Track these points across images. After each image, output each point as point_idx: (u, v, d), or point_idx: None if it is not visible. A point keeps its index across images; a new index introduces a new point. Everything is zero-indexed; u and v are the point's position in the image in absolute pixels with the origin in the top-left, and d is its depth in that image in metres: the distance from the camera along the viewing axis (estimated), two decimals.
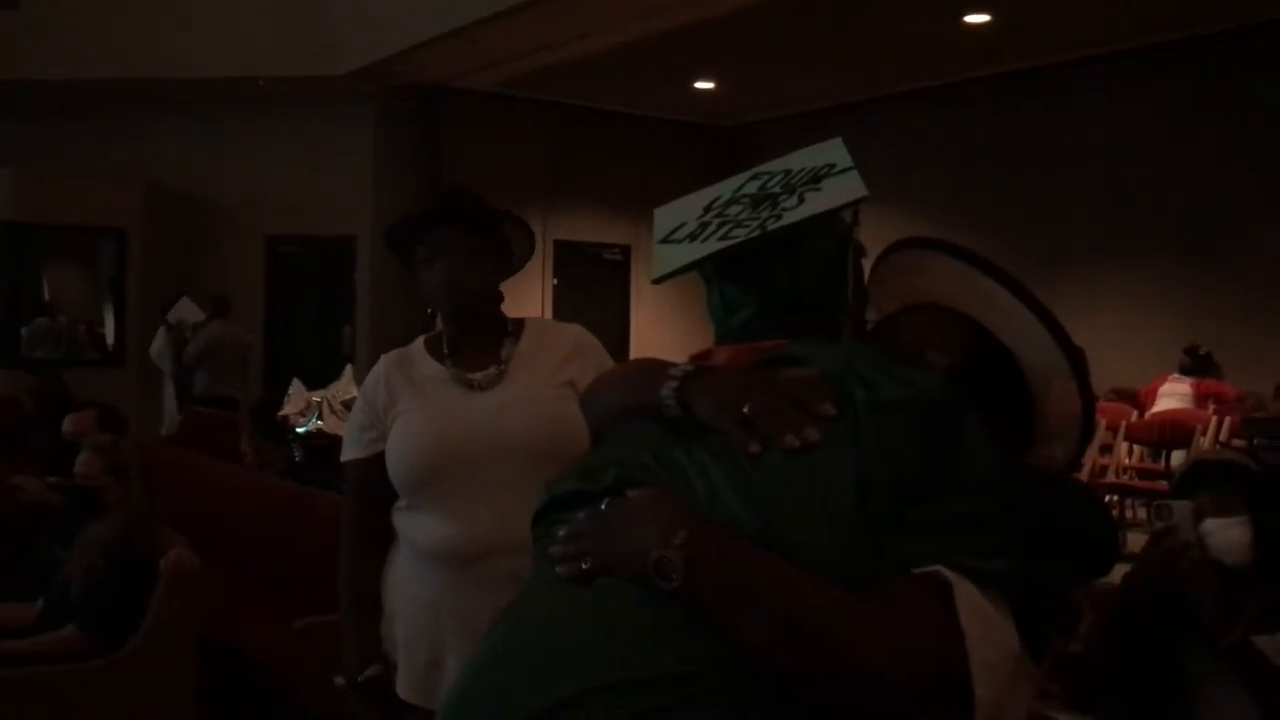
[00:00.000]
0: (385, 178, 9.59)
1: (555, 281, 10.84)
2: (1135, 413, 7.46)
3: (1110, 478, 6.76)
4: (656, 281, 1.31)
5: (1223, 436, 6.55)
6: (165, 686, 3.12)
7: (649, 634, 0.95)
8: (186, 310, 8.14)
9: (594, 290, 10.97)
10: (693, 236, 1.27)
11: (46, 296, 10.61)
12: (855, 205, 1.27)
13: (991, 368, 1.27)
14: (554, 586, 1.04)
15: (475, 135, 9.92)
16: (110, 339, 10.59)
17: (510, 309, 1.97)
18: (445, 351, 1.89)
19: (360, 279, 10.11)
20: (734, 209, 1.27)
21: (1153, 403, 7.63)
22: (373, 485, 1.86)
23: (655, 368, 1.19)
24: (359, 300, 10.16)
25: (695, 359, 1.27)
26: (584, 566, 1.02)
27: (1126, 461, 7.20)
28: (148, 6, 9.17)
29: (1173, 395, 7.56)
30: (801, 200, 1.26)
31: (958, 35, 8.23)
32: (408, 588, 1.83)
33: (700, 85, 10.06)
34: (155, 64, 9.16)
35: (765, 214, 1.25)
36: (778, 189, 1.28)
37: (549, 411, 1.80)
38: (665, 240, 1.30)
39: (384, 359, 1.96)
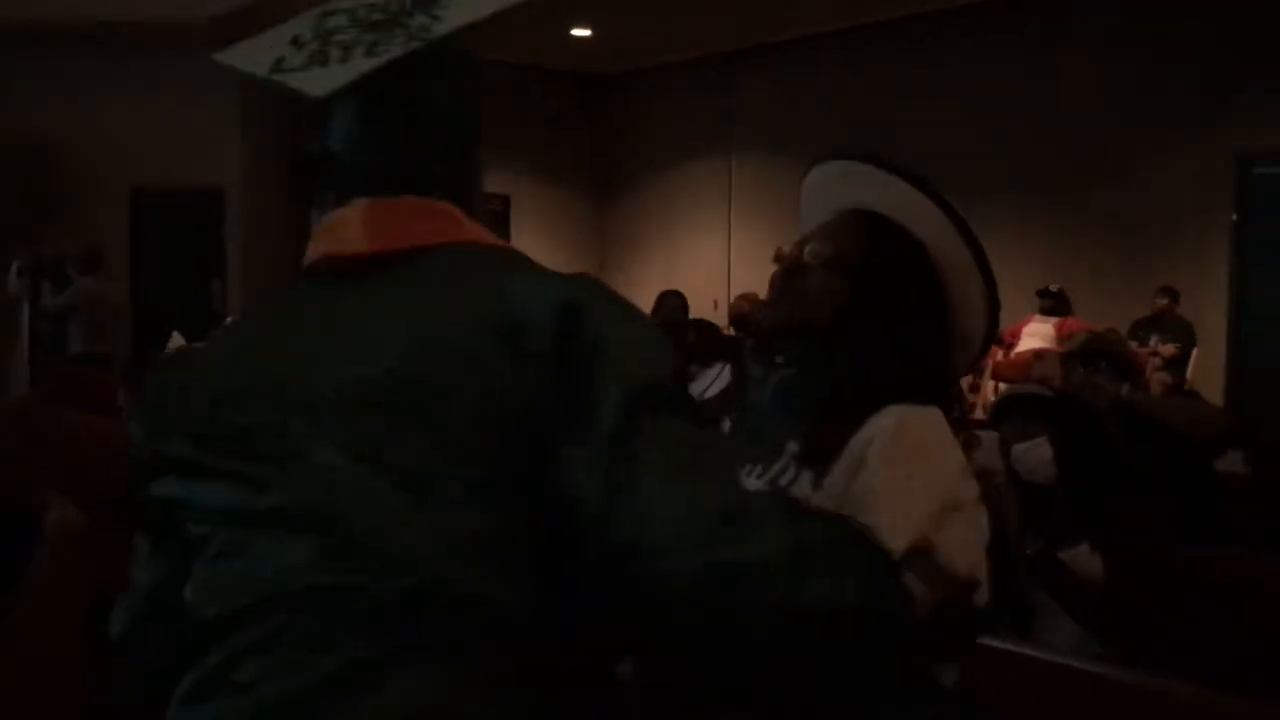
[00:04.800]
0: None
1: None
2: (1001, 352, 7.80)
3: (978, 414, 7.06)
4: (321, 95, 1.06)
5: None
6: (52, 654, 3.06)
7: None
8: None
9: None
10: (321, 60, 1.07)
11: None
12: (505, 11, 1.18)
13: (898, 279, 1.35)
14: None
15: None
16: None
17: None
18: None
19: (229, 231, 9.85)
20: (342, 36, 1.09)
21: (1017, 343, 7.99)
22: None
23: None
24: (229, 253, 9.91)
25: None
26: None
27: (992, 399, 7.54)
28: None
29: (1035, 335, 7.92)
30: (436, 18, 1.11)
31: None
32: None
33: (577, 32, 10.01)
34: (7, 5, 8.68)
35: (402, 34, 1.08)
36: (381, 16, 1.10)
37: None
38: (277, 71, 1.09)
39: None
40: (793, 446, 1.35)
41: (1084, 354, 3.55)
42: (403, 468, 0.94)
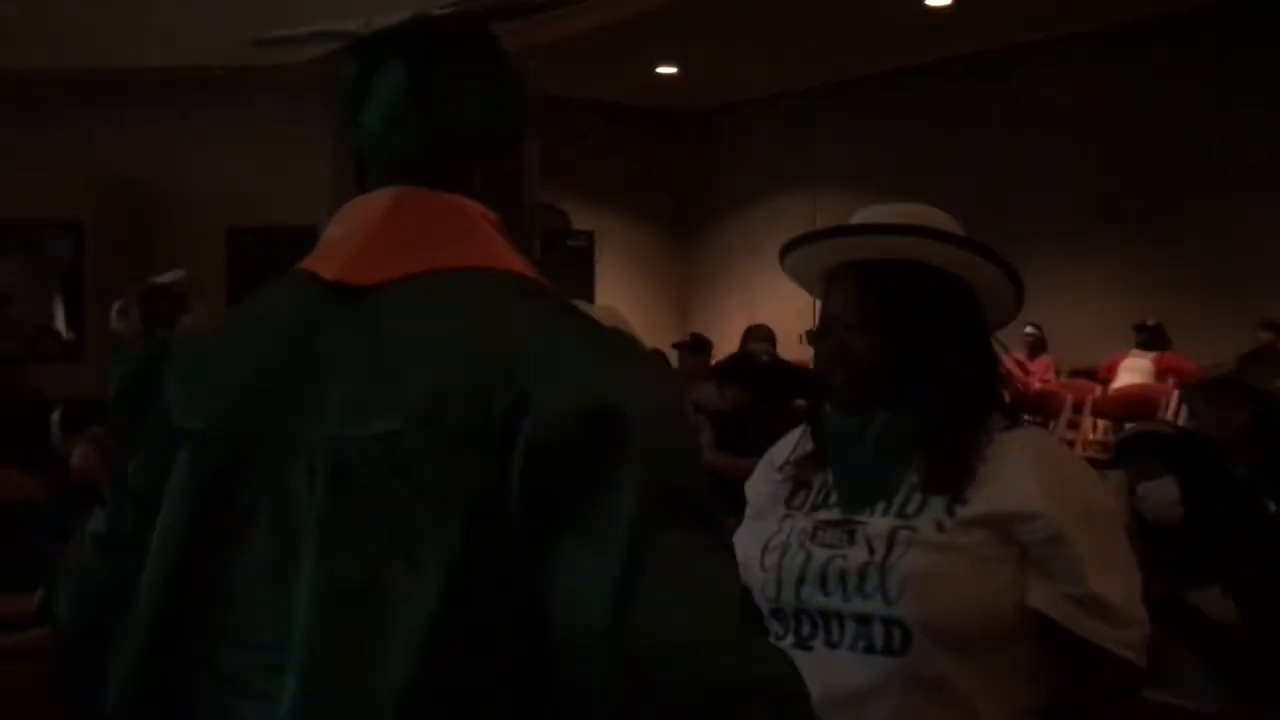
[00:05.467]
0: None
1: None
2: (1100, 389, 7.63)
3: (1078, 451, 6.91)
4: (365, 34, 1.05)
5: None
6: None
7: None
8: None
9: (559, 277, 10.94)
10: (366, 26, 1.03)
11: None
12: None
13: (915, 308, 1.44)
14: None
15: None
16: (64, 334, 10.42)
17: None
18: None
19: None
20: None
21: (1113, 378, 7.81)
22: None
23: None
24: None
25: None
26: None
27: (1091, 436, 7.37)
28: None
29: (1133, 370, 7.73)
30: None
31: (919, 19, 8.33)
32: None
33: (662, 70, 10.09)
34: (108, 54, 9.02)
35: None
36: None
37: None
38: (321, 35, 1.11)
39: None
40: (912, 478, 1.40)
41: (1208, 387, 3.47)
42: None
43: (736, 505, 1.64)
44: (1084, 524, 1.35)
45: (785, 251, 1.55)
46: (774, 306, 10.63)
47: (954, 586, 1.34)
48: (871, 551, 1.38)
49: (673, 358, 6.67)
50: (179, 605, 0.96)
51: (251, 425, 0.95)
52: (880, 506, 1.41)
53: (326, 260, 0.99)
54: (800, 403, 7.02)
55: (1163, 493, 2.41)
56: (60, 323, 10.67)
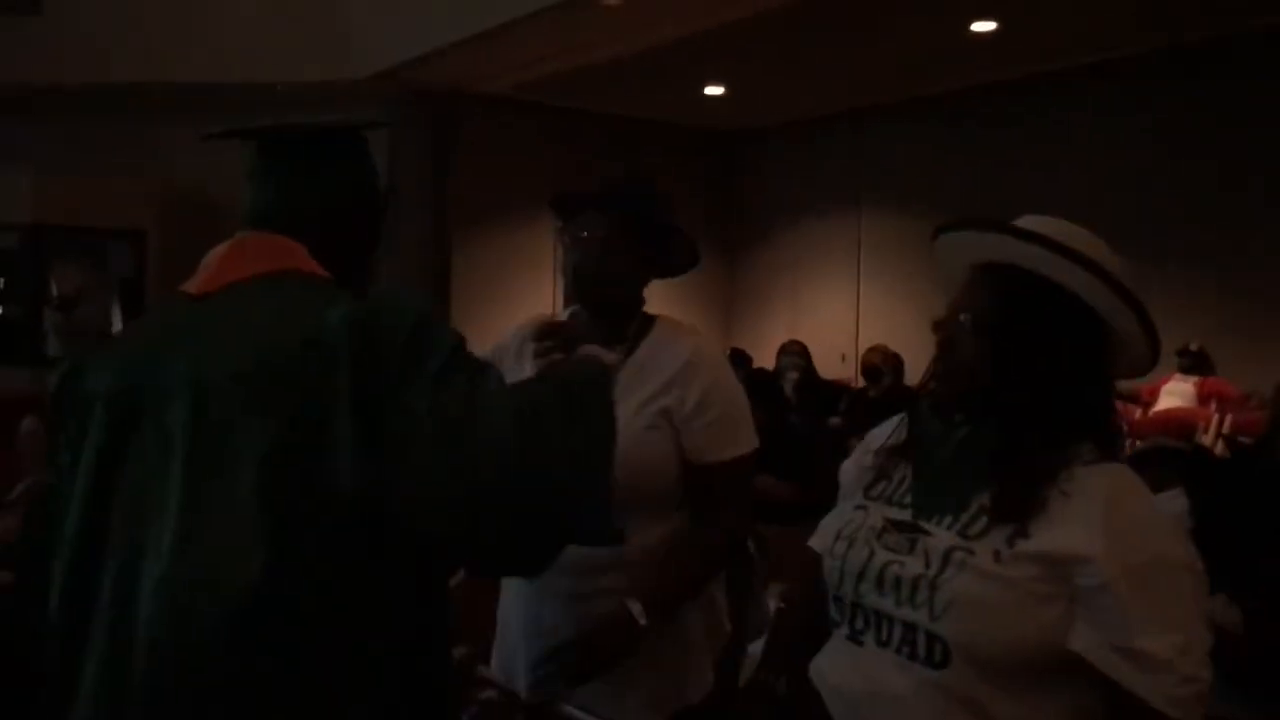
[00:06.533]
0: (400, 181, 9.76)
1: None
2: (1139, 411, 7.64)
3: None
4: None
5: (1226, 430, 6.73)
6: None
7: None
8: None
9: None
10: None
11: (54, 293, 10.70)
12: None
13: (1040, 329, 1.43)
14: None
15: (489, 141, 10.09)
16: None
17: (524, 307, 2.06)
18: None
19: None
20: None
21: (1155, 401, 7.81)
22: None
23: None
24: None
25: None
26: None
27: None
28: (167, 11, 9.34)
29: (1175, 394, 7.73)
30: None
31: (964, 43, 8.40)
32: (504, 594, 2.12)
33: (711, 91, 10.24)
34: (174, 68, 9.32)
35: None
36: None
37: (625, 450, 1.50)
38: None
39: (521, 325, 2.08)
40: (982, 499, 1.41)
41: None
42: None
43: (770, 521, 1.75)
44: (1141, 578, 1.30)
45: (942, 230, 1.55)
46: (817, 325, 10.73)
47: (997, 617, 1.34)
48: (927, 565, 1.41)
49: None
50: (95, 516, 1.32)
51: (139, 383, 1.35)
52: (947, 520, 1.43)
53: (192, 282, 1.45)
54: (835, 421, 7.12)
55: (1172, 505, 2.50)
56: (119, 328, 10.98)
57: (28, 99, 9.65)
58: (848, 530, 1.54)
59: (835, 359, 9.98)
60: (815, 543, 1.73)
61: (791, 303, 11.33)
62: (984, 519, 1.39)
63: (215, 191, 10.24)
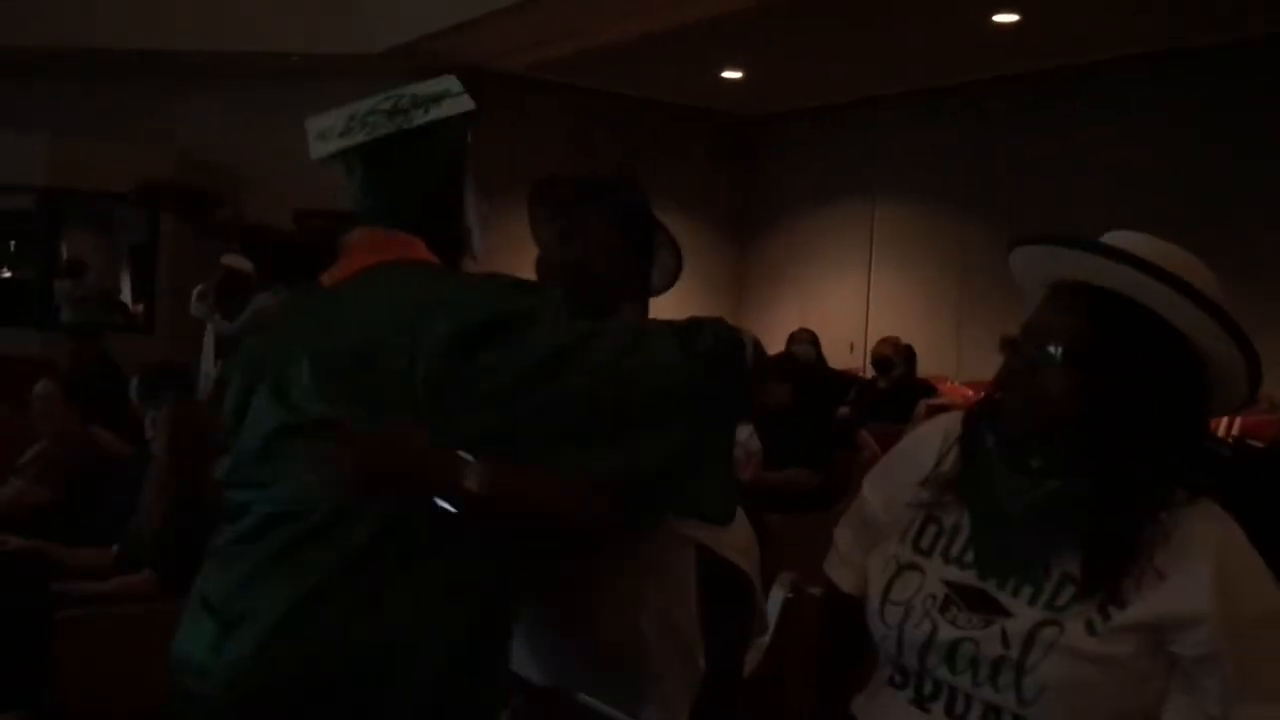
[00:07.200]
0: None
1: None
2: None
3: None
4: (317, 158, 1.71)
5: (1235, 432, 6.71)
6: None
7: None
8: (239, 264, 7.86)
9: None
10: (342, 134, 1.67)
11: (64, 258, 10.68)
12: (470, 121, 1.71)
13: (1142, 360, 1.27)
14: None
15: (504, 118, 10.05)
16: (131, 306, 10.72)
17: None
18: None
19: None
20: (373, 118, 1.67)
21: None
22: None
23: None
24: None
25: None
26: None
27: None
28: None
29: None
30: (427, 112, 1.66)
31: (985, 33, 8.35)
32: None
33: (728, 75, 10.19)
34: (192, 36, 9.30)
35: (399, 120, 1.65)
36: (407, 105, 1.67)
37: None
38: (320, 138, 1.71)
39: None
40: (1065, 564, 1.26)
41: None
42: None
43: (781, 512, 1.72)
44: (1251, 636, 1.18)
45: (1019, 243, 1.37)
46: (827, 312, 10.70)
47: (1097, 702, 1.22)
48: (1006, 644, 1.25)
49: None
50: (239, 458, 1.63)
51: (262, 359, 1.64)
52: (1026, 591, 1.27)
53: (325, 275, 1.69)
54: (844, 410, 7.10)
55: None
56: (127, 295, 11.00)
57: (44, 63, 9.64)
58: (900, 594, 1.35)
59: (844, 348, 9.96)
60: (840, 578, 1.54)
61: (802, 290, 11.31)
62: (1070, 587, 1.24)
63: (229, 159, 10.26)
